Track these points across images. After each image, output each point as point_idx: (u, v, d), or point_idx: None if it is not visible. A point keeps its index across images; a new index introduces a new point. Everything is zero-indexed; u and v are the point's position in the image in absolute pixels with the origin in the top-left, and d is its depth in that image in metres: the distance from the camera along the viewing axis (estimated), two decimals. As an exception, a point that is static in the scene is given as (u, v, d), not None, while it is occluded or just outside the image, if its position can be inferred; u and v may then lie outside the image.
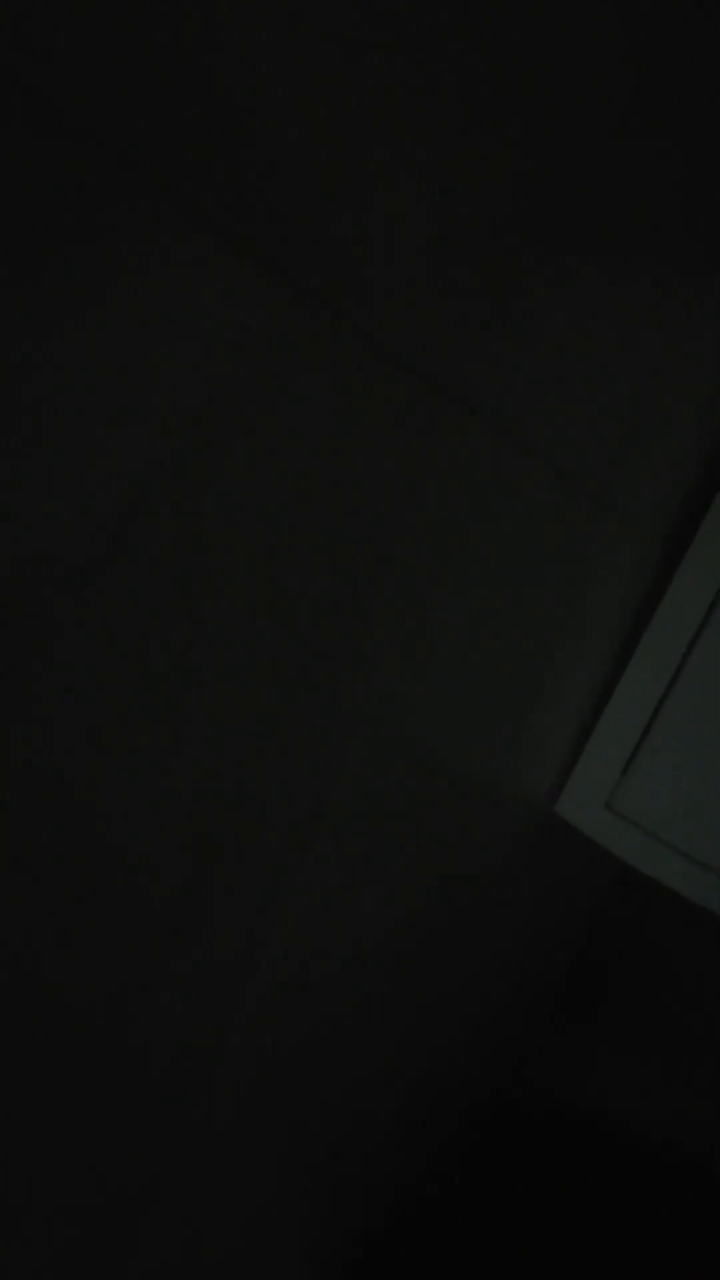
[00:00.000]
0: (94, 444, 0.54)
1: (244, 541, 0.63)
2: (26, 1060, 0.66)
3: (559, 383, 0.78)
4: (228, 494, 0.61)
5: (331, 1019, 0.87)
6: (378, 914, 0.87)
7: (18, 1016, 0.63)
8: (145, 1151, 0.76)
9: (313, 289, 0.60)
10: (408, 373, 0.68)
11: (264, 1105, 0.84)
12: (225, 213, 0.55)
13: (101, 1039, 0.69)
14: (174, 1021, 0.73)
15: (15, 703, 0.55)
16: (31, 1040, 0.65)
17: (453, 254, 0.66)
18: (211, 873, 0.71)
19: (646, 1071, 1.15)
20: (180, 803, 0.67)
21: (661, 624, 0.91)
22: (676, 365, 0.88)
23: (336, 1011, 0.87)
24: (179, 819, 0.67)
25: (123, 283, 0.52)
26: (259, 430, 0.61)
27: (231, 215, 0.55)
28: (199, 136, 0.53)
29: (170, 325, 0.55)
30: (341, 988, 0.87)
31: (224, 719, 0.67)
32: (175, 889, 0.69)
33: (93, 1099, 0.71)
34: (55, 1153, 0.70)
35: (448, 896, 0.94)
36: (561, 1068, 1.17)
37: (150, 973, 0.70)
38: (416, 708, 0.81)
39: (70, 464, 0.54)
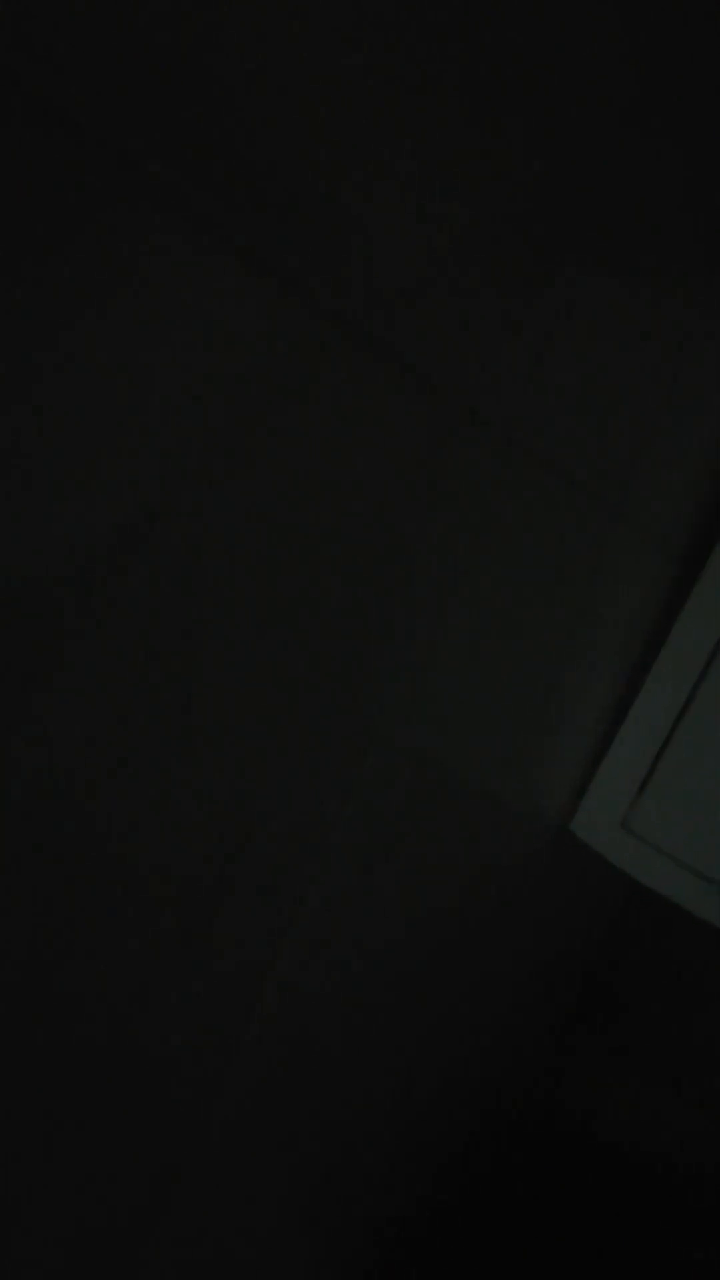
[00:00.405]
0: (98, 451, 0.54)
1: (248, 549, 0.62)
2: (31, 1062, 0.65)
3: (568, 390, 0.77)
4: (232, 502, 0.60)
5: (339, 1028, 0.86)
6: (387, 924, 0.86)
7: (22, 1019, 0.63)
8: (149, 1154, 0.75)
9: (318, 294, 0.59)
10: (415, 380, 0.66)
11: (270, 1110, 0.83)
12: (228, 217, 0.54)
13: (107, 1042, 0.68)
14: (180, 1026, 0.72)
15: (22, 707, 0.55)
16: (36, 1042, 0.64)
17: (459, 258, 0.65)
18: (219, 879, 0.70)
19: (659, 1089, 1.14)
20: (188, 809, 0.66)
21: (679, 640, 0.89)
22: (688, 371, 0.86)
23: (344, 1021, 0.86)
24: (187, 825, 0.66)
25: (125, 287, 0.52)
26: (263, 437, 0.60)
27: (234, 219, 0.54)
28: (200, 140, 0.52)
29: (173, 331, 0.54)
30: (349, 997, 0.86)
31: (231, 726, 0.66)
32: (182, 895, 0.68)
33: (97, 1101, 0.70)
34: (60, 1154, 0.69)
35: (459, 911, 0.93)
36: (574, 1085, 1.15)
37: (157, 976, 0.69)
38: (425, 720, 0.79)
39: (75, 471, 0.53)
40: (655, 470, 0.86)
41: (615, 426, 0.82)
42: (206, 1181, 0.81)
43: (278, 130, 0.56)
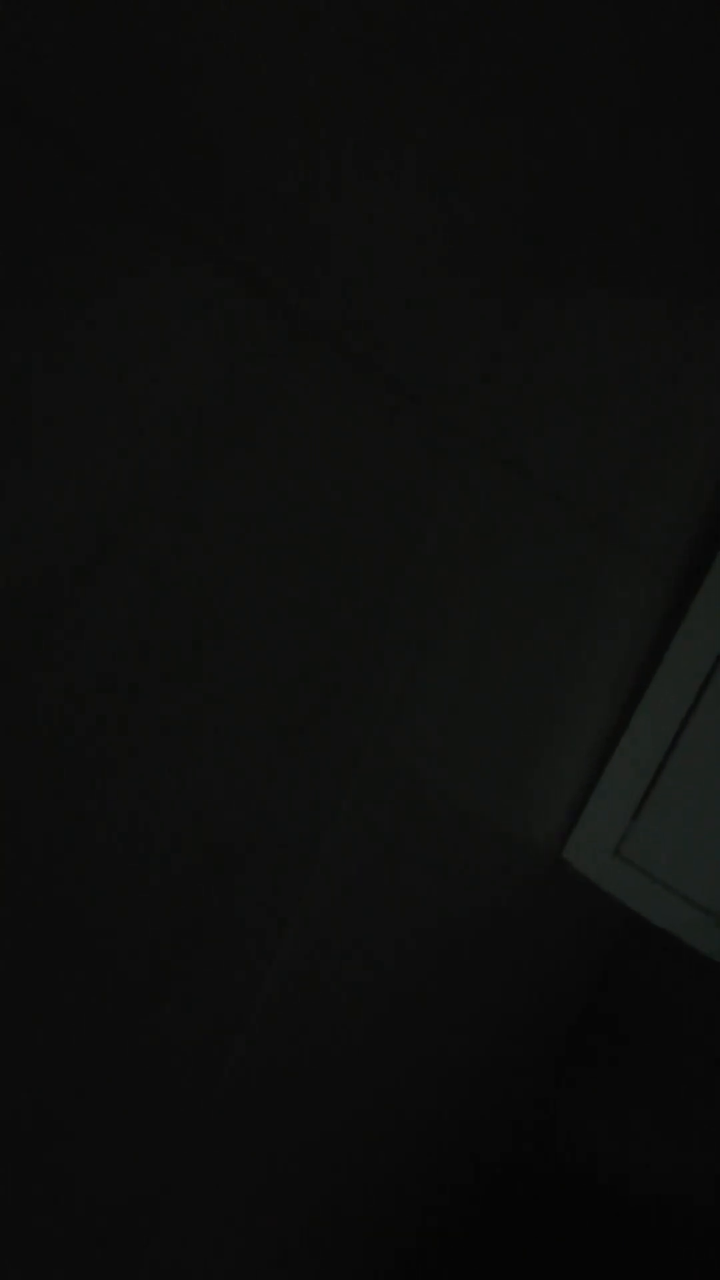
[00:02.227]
0: (88, 455, 0.53)
1: (240, 551, 0.62)
2: (27, 1061, 0.64)
3: (563, 410, 0.76)
4: (221, 506, 0.60)
5: (327, 1055, 0.85)
6: (376, 950, 0.84)
7: (19, 1018, 0.61)
8: (149, 1156, 0.74)
9: (305, 306, 0.58)
10: (404, 396, 0.65)
11: (262, 1129, 0.82)
12: (218, 234, 0.53)
13: (103, 1044, 0.67)
14: (177, 1027, 0.71)
15: (15, 704, 0.54)
16: (33, 1042, 0.63)
17: (448, 271, 0.64)
18: (213, 883, 0.69)
19: (655, 1121, 1.11)
20: (183, 811, 0.65)
21: (673, 663, 0.87)
22: (685, 392, 0.85)
23: (333, 1048, 0.85)
24: (182, 826, 0.65)
25: (116, 300, 0.51)
26: (249, 450, 0.60)
27: (224, 235, 0.54)
28: (191, 156, 0.51)
29: (163, 345, 0.54)
30: (338, 1024, 0.84)
31: (223, 726, 0.65)
32: (177, 898, 0.67)
33: (95, 1103, 0.69)
34: (58, 1156, 0.68)
35: (451, 933, 0.91)
36: (570, 1116, 1.13)
37: (153, 980, 0.68)
38: (416, 741, 0.78)
39: (65, 472, 0.52)
40: (649, 491, 0.85)
41: (609, 444, 0.81)
42: (198, 1194, 0.79)
43: (264, 140, 0.55)
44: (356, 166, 0.58)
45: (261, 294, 0.58)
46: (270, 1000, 0.77)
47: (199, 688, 0.64)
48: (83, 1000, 0.66)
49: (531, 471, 0.76)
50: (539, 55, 0.60)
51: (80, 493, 0.56)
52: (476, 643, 0.79)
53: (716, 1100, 1.09)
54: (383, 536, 0.70)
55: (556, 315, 0.71)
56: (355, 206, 0.60)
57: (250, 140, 0.54)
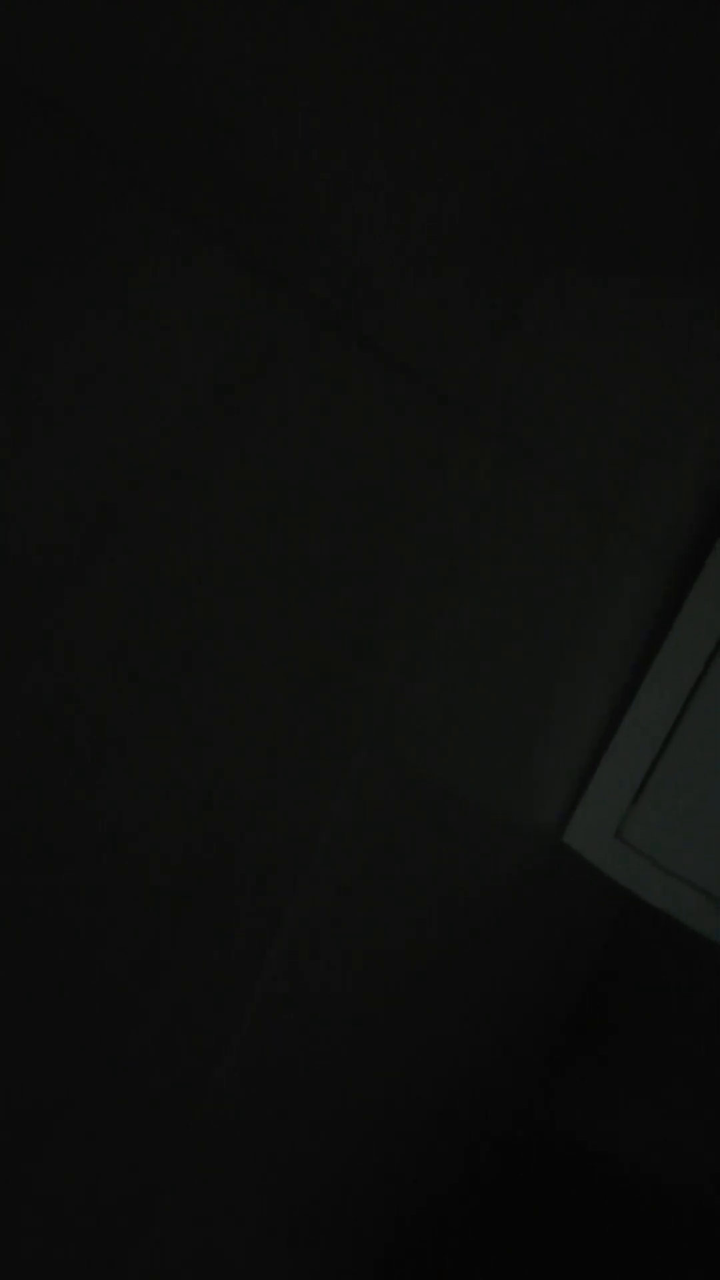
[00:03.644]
0: (92, 439, 0.53)
1: (240, 538, 0.62)
2: (15, 1060, 0.64)
3: (565, 396, 0.76)
4: (225, 499, 0.60)
5: (325, 1042, 0.85)
6: (374, 935, 0.84)
7: (7, 1015, 0.61)
8: (142, 1160, 0.74)
9: (315, 295, 0.58)
10: (413, 385, 0.66)
11: (259, 1121, 0.82)
12: (225, 218, 0.54)
13: (94, 1040, 0.67)
14: (172, 1021, 0.71)
15: (8, 688, 0.54)
16: (20, 1040, 0.63)
17: (451, 255, 0.64)
18: (209, 875, 0.69)
19: (655, 1105, 1.12)
20: (177, 802, 0.65)
21: (673, 647, 0.88)
22: (687, 379, 0.85)
23: (331, 1035, 0.85)
24: (177, 817, 0.65)
25: (122, 285, 0.52)
26: (257, 436, 0.60)
27: (231, 220, 0.54)
28: (199, 142, 0.52)
29: (169, 327, 0.54)
30: (336, 1011, 0.84)
31: (220, 724, 0.65)
32: (172, 890, 0.67)
33: (85, 1102, 0.69)
34: (50, 1161, 0.68)
35: (450, 920, 0.91)
36: (569, 1101, 1.14)
37: (147, 973, 0.68)
38: (416, 726, 0.78)
39: (68, 455, 0.52)
40: (650, 476, 0.85)
41: (610, 432, 0.82)
42: (193, 1192, 0.79)
43: (277, 138, 0.55)
44: (364, 155, 0.59)
45: (269, 279, 0.58)
46: (267, 992, 0.77)
47: (194, 677, 0.64)
48: (74, 995, 0.66)
49: (534, 458, 0.77)
50: (544, 48, 0.61)
51: (83, 476, 0.56)
52: (476, 629, 0.80)
53: (717, 1085, 1.10)
54: (383, 522, 0.70)
55: (559, 305, 0.72)
56: (363, 195, 0.60)
57: (262, 126, 0.55)
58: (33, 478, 0.52)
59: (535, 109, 0.63)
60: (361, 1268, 1.06)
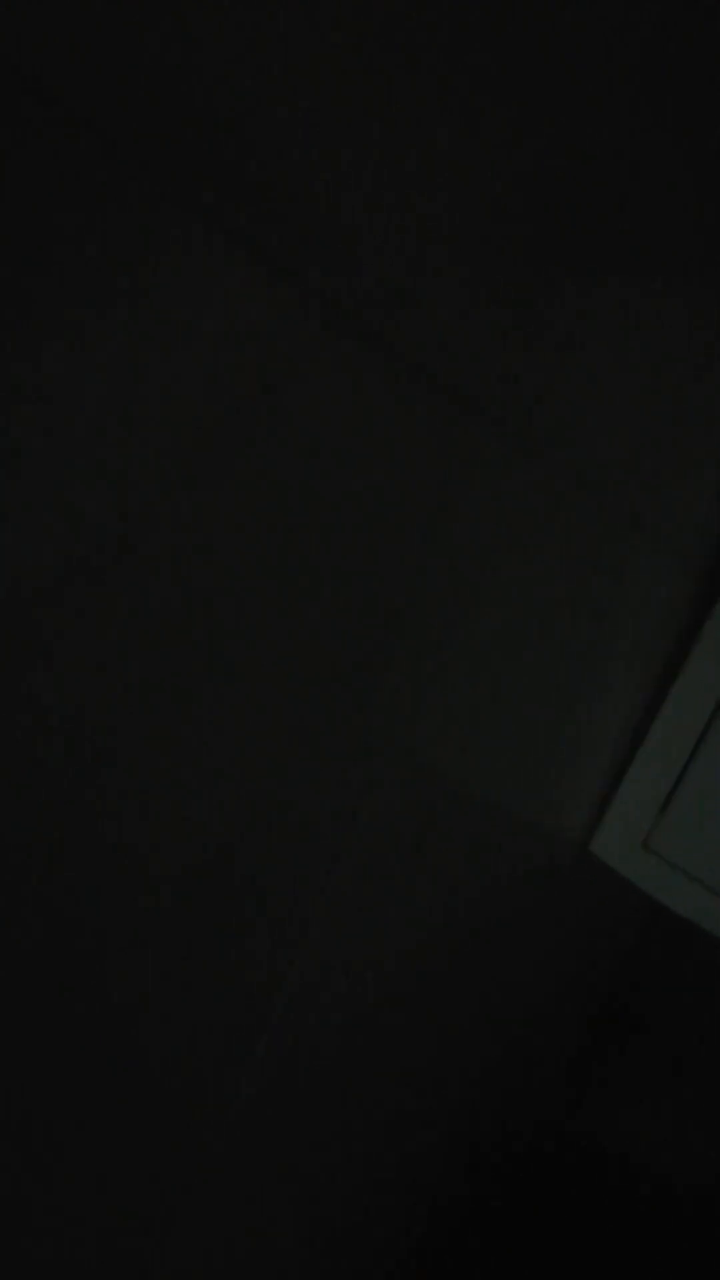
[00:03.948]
0: (96, 444, 0.53)
1: (254, 551, 0.61)
2: (34, 1074, 0.64)
3: (590, 396, 0.75)
4: (237, 502, 0.59)
5: (347, 1047, 0.84)
6: (397, 940, 0.84)
7: (26, 1029, 0.61)
8: (159, 1175, 0.74)
9: (330, 295, 0.58)
10: (431, 385, 0.65)
11: (278, 1128, 0.82)
12: (237, 214, 0.53)
13: (113, 1056, 0.67)
14: (190, 1036, 0.71)
15: (20, 700, 0.54)
16: (41, 1054, 0.63)
17: (480, 258, 0.64)
18: (228, 885, 0.68)
19: (679, 1113, 1.10)
20: (193, 815, 0.65)
21: (701, 654, 0.87)
22: (712, 385, 0.84)
23: (353, 1039, 0.84)
24: (195, 825, 0.65)
25: (129, 285, 0.51)
26: (269, 439, 0.59)
27: (243, 217, 0.53)
28: (209, 134, 0.51)
29: (178, 329, 0.54)
30: (358, 1015, 0.84)
31: (236, 729, 0.65)
32: (190, 903, 0.67)
33: (105, 1120, 0.68)
34: (66, 1176, 0.68)
35: (474, 927, 0.90)
36: (592, 1108, 1.12)
37: (164, 986, 0.68)
38: (440, 733, 0.78)
39: (72, 468, 0.52)
40: (676, 479, 0.84)
41: (636, 436, 0.81)
42: (210, 1203, 0.79)
43: (293, 130, 0.55)
44: (384, 152, 0.58)
45: (287, 280, 0.58)
46: (288, 1001, 0.77)
47: (211, 685, 0.64)
48: (88, 1008, 0.66)
49: (557, 461, 0.76)
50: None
51: (94, 485, 0.55)
52: (500, 635, 0.79)
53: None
54: (404, 529, 0.69)
55: (583, 306, 0.71)
56: (383, 192, 0.59)
57: (277, 122, 0.54)
58: (43, 485, 0.52)
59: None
60: (379, 1273, 1.06)
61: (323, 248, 0.59)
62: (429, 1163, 1.01)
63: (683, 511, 0.87)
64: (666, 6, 0.65)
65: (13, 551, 0.53)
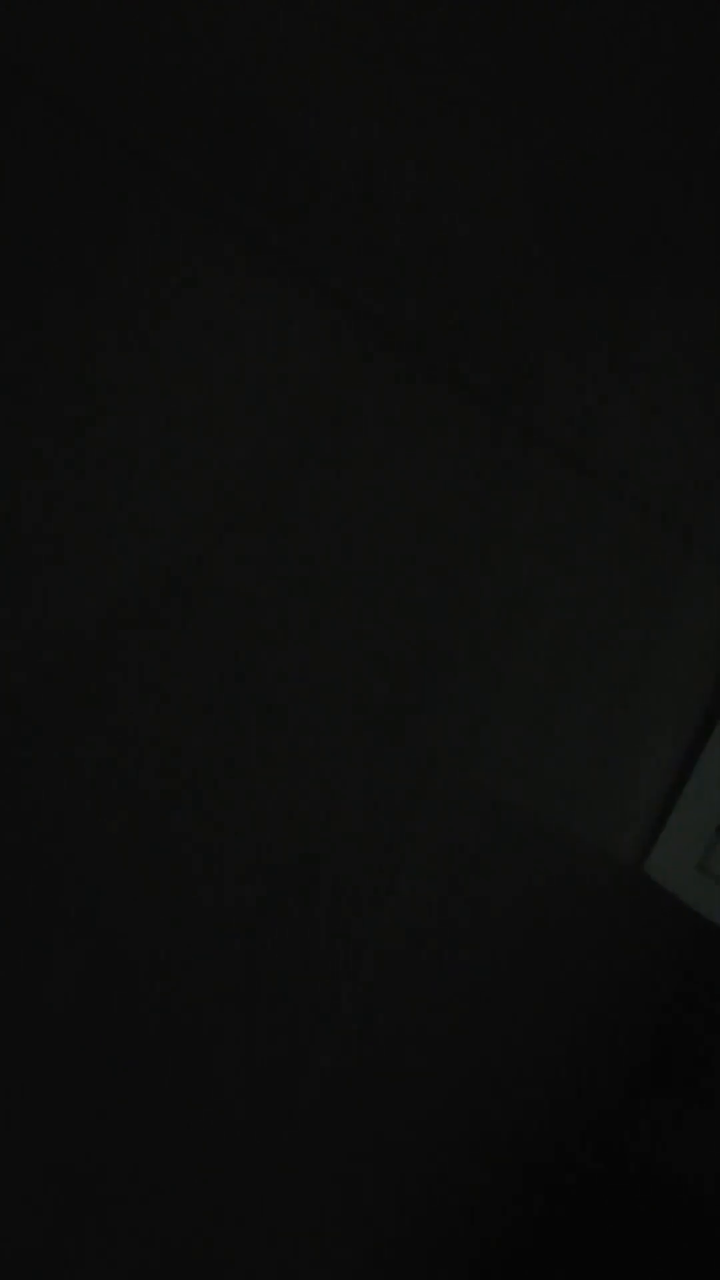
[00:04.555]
0: (160, 481, 0.53)
1: (322, 568, 0.61)
2: (105, 1079, 0.64)
3: (643, 419, 0.75)
4: (305, 522, 0.60)
5: (409, 1063, 0.84)
6: (459, 953, 0.83)
7: (98, 1033, 0.62)
8: (223, 1177, 0.74)
9: (390, 323, 0.58)
10: (482, 403, 0.65)
11: (343, 1142, 0.81)
12: (299, 248, 0.54)
13: (181, 1063, 0.67)
14: (256, 1046, 0.71)
15: (94, 727, 0.54)
16: (110, 1060, 0.63)
17: (531, 282, 0.64)
18: (292, 901, 0.68)
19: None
20: (265, 828, 0.65)
21: (757, 674, 0.85)
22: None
23: (414, 1056, 0.84)
24: (261, 847, 0.65)
25: (193, 314, 0.51)
26: (324, 464, 0.60)
27: (304, 251, 0.54)
28: (267, 167, 0.52)
29: (247, 361, 0.54)
30: (420, 1026, 0.83)
31: (301, 752, 0.65)
32: (255, 916, 0.67)
33: (173, 1123, 0.69)
34: (135, 1174, 0.68)
35: (530, 946, 0.90)
36: (651, 1132, 1.11)
37: (231, 997, 0.68)
38: (493, 755, 0.77)
39: (139, 512, 0.53)
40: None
41: (689, 452, 0.80)
42: (275, 1214, 0.79)
43: (343, 151, 0.55)
44: (435, 176, 0.58)
45: (342, 305, 0.58)
46: (349, 1015, 0.77)
47: (279, 711, 0.64)
48: (159, 1016, 0.66)
49: (612, 479, 0.75)
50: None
51: (168, 514, 0.56)
52: (555, 653, 0.78)
53: None
54: (461, 548, 0.69)
55: (636, 324, 0.71)
56: (433, 215, 0.59)
57: (327, 150, 0.54)
58: (99, 533, 0.53)
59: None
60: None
61: (382, 277, 0.59)
62: (489, 1183, 1.00)
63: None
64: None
65: (106, 574, 0.54)
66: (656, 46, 0.64)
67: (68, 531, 0.52)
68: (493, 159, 0.60)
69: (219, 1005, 0.69)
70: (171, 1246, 0.73)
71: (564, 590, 0.76)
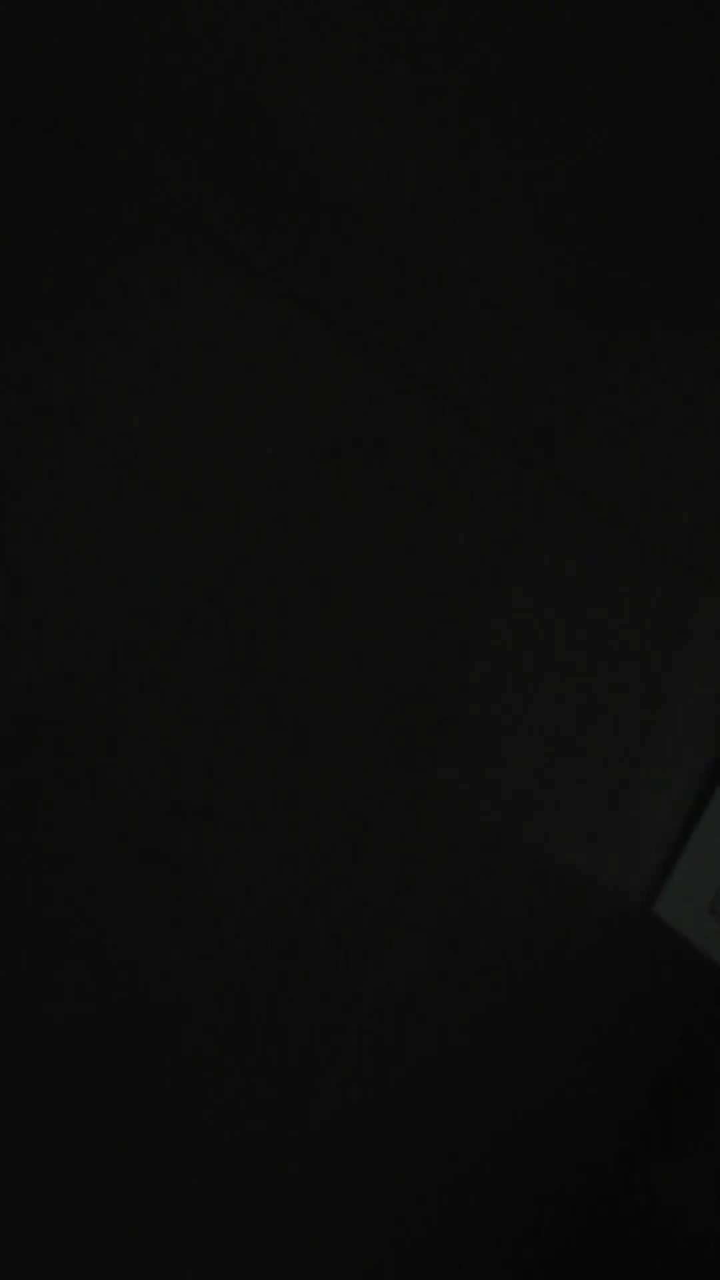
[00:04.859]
0: (171, 514, 0.51)
1: (329, 616, 0.60)
2: (116, 1114, 0.62)
3: (656, 456, 0.71)
4: (320, 560, 0.58)
5: (415, 1103, 0.82)
6: (466, 992, 0.81)
7: (119, 1055, 0.60)
8: (233, 1211, 0.72)
9: (408, 366, 0.55)
10: (493, 441, 0.62)
11: (349, 1176, 0.79)
12: (317, 292, 0.51)
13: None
14: (263, 1077, 0.69)
15: (104, 757, 0.53)
16: (119, 1093, 0.62)
17: (544, 320, 0.60)
18: (298, 936, 0.67)
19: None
20: (271, 862, 0.63)
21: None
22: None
23: (420, 1096, 0.82)
24: (270, 876, 0.64)
25: (197, 356, 0.49)
26: (349, 503, 0.58)
27: (323, 294, 0.51)
28: (287, 210, 0.48)
29: (266, 401, 0.52)
30: (427, 1061, 0.81)
31: (311, 788, 0.63)
32: (264, 946, 0.65)
33: (188, 1151, 0.67)
34: (141, 1211, 0.67)
35: (538, 986, 0.87)
36: (656, 1177, 1.08)
37: (241, 1028, 0.66)
38: (502, 795, 0.74)
39: (150, 531, 0.51)
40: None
41: (702, 489, 0.76)
42: (282, 1246, 0.77)
43: (358, 193, 0.52)
44: (455, 216, 0.55)
45: (360, 350, 0.55)
46: (355, 1050, 0.75)
47: (286, 741, 0.63)
48: (166, 1047, 0.65)
49: (625, 517, 0.72)
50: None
51: (179, 551, 0.54)
52: (567, 690, 0.75)
53: None
54: (476, 587, 0.67)
55: (649, 360, 0.67)
56: (449, 257, 0.56)
57: (343, 195, 0.51)
58: (108, 573, 0.50)
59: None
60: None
61: (392, 312, 0.57)
62: (497, 1228, 0.98)
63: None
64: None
65: (122, 604, 0.53)
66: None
67: (78, 562, 0.49)
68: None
69: (225, 1033, 0.67)
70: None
71: (578, 632, 0.73)
